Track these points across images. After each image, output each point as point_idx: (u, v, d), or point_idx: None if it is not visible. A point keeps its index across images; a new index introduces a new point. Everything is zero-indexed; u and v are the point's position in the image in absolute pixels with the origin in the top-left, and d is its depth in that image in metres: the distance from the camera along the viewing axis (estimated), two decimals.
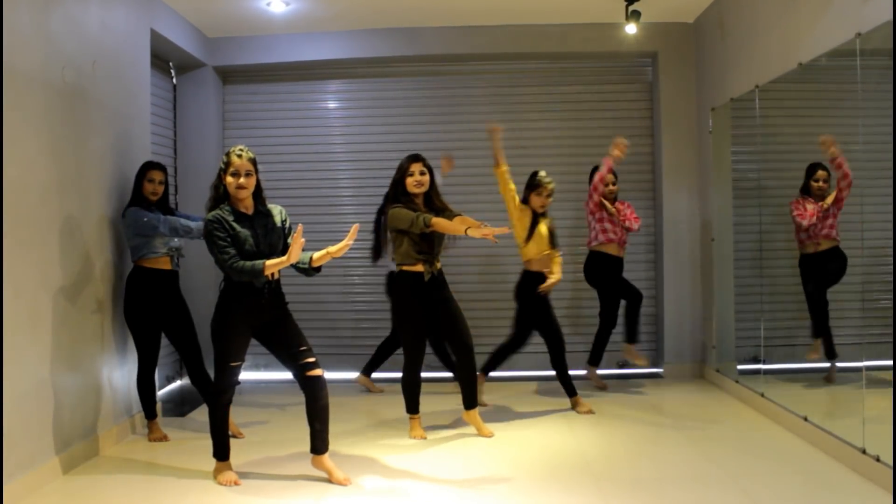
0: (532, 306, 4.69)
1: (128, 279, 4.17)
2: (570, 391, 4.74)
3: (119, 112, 4.38)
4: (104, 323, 4.11)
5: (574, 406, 4.71)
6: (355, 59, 6.04)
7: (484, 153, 6.03)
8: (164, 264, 4.19)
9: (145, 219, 4.06)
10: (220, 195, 3.44)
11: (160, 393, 5.09)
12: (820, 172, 4.56)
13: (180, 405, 5.13)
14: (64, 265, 3.71)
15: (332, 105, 6.27)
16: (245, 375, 5.82)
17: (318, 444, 3.51)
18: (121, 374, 4.28)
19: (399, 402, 4.37)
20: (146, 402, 4.22)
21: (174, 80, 5.88)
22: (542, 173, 4.69)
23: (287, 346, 3.49)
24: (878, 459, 3.30)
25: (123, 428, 4.27)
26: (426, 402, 4.46)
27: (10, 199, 3.23)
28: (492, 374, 4.99)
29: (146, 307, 4.13)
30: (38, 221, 3.50)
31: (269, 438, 4.26)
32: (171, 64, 5.78)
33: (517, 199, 4.65)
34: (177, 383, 5.73)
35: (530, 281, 4.67)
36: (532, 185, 4.67)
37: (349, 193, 6.18)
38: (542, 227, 4.68)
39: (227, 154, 3.40)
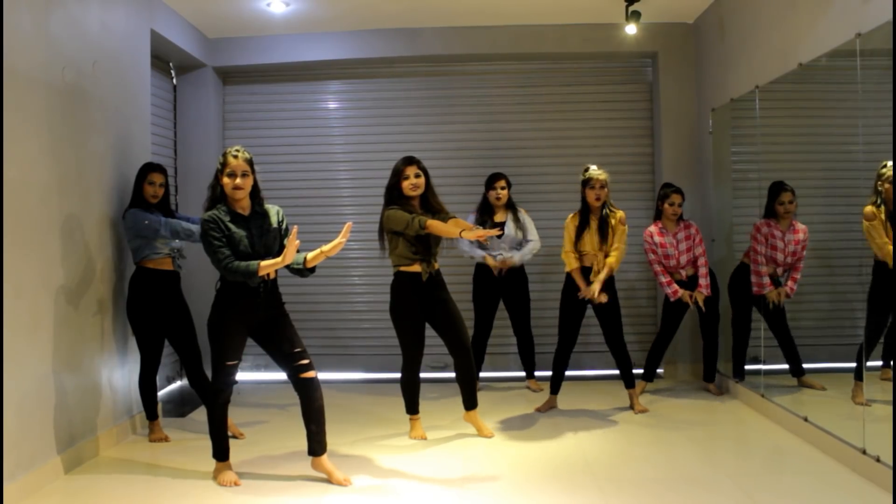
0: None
1: (131, 280, 4.17)
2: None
3: (119, 112, 4.38)
4: (105, 323, 4.11)
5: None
6: (355, 60, 6.04)
7: (482, 154, 6.06)
8: (167, 265, 4.19)
9: (146, 221, 4.06)
10: (217, 196, 3.45)
11: (161, 393, 5.09)
12: (785, 195, 4.54)
13: (181, 406, 5.13)
14: (64, 265, 3.71)
15: (332, 105, 6.27)
16: (245, 376, 5.87)
17: (315, 446, 3.51)
18: (121, 374, 4.28)
19: (399, 403, 4.37)
20: (147, 402, 4.21)
21: (174, 81, 5.88)
22: (592, 168, 4.59)
23: (281, 346, 3.49)
24: (878, 460, 3.30)
25: (124, 428, 4.28)
26: (426, 403, 4.47)
27: (10, 200, 3.24)
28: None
29: (149, 308, 4.13)
30: (38, 222, 3.50)
31: (269, 438, 4.26)
32: (171, 64, 5.78)
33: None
34: (177, 384, 5.74)
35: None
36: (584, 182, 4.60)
37: (349, 193, 6.19)
38: (594, 223, 4.59)
39: (224, 155, 3.41)
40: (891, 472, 3.15)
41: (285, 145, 6.19)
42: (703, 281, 4.94)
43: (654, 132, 6.06)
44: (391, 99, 6.19)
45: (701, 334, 5.21)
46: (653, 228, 5.01)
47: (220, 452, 3.53)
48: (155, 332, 4.17)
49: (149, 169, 4.20)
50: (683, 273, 4.99)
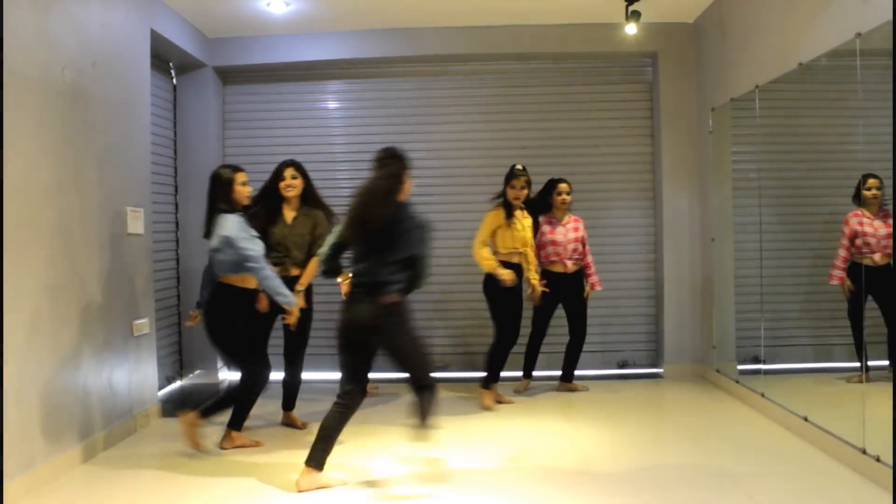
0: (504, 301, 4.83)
1: (213, 293, 3.93)
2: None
3: (119, 112, 4.38)
4: (104, 323, 4.11)
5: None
6: (355, 60, 6.04)
7: (481, 154, 6.06)
8: (251, 283, 3.96)
9: (250, 252, 3.75)
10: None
11: (161, 393, 5.09)
12: (872, 181, 4.44)
13: (181, 406, 5.11)
14: (64, 265, 3.71)
15: (332, 105, 6.27)
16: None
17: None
18: (121, 374, 4.28)
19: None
20: (237, 412, 4.04)
21: (174, 81, 5.88)
22: (518, 166, 4.89)
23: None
24: (878, 459, 3.30)
25: (124, 428, 4.28)
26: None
27: (10, 199, 3.24)
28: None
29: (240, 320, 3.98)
30: (38, 221, 3.50)
31: (270, 437, 4.26)
32: (171, 64, 5.78)
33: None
34: (177, 384, 5.73)
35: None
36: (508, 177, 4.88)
37: (349, 193, 6.16)
38: (518, 222, 4.82)
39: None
40: (891, 472, 3.15)
41: (285, 145, 6.17)
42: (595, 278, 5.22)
43: (654, 132, 6.06)
44: (391, 99, 6.19)
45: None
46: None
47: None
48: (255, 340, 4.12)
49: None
50: (570, 264, 5.12)
